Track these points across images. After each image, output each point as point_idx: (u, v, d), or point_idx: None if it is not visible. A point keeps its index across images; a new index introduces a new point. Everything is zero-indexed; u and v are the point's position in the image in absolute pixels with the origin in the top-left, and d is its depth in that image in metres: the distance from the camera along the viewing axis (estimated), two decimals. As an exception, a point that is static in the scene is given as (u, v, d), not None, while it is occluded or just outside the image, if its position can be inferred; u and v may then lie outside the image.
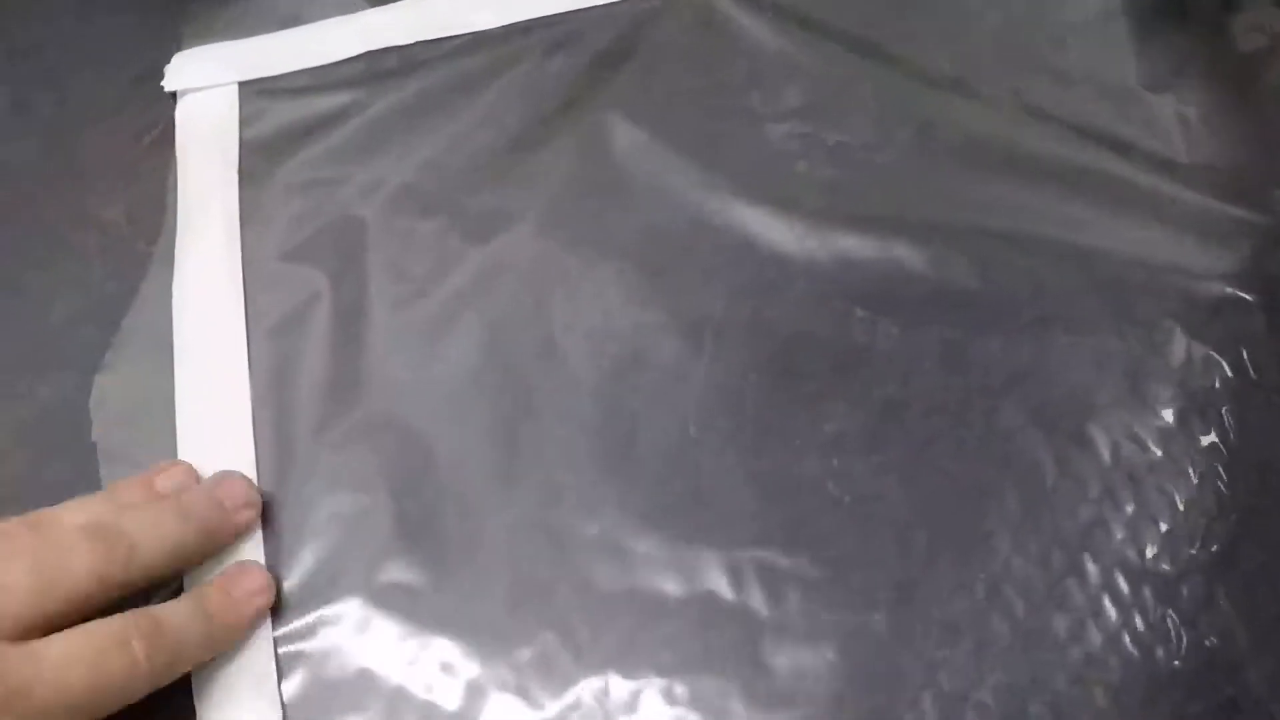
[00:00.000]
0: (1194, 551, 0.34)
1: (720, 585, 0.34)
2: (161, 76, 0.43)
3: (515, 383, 0.37)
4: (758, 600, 0.34)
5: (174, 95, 0.43)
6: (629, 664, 0.33)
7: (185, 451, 0.37)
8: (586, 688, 0.33)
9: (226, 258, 0.39)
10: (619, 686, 0.33)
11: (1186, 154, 0.39)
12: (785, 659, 0.33)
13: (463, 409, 0.37)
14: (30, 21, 0.46)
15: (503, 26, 0.43)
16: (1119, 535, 0.34)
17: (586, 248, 0.39)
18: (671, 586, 0.34)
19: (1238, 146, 0.40)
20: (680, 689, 0.33)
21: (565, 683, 0.33)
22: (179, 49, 0.44)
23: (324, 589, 0.35)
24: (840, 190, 0.40)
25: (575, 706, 0.33)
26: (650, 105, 0.41)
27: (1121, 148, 0.39)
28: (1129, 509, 0.34)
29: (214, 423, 0.37)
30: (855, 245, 0.38)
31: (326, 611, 0.35)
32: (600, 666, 0.33)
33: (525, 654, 0.34)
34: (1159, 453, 0.35)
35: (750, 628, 0.34)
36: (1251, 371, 0.36)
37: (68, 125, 0.43)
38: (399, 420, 0.37)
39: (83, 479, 0.37)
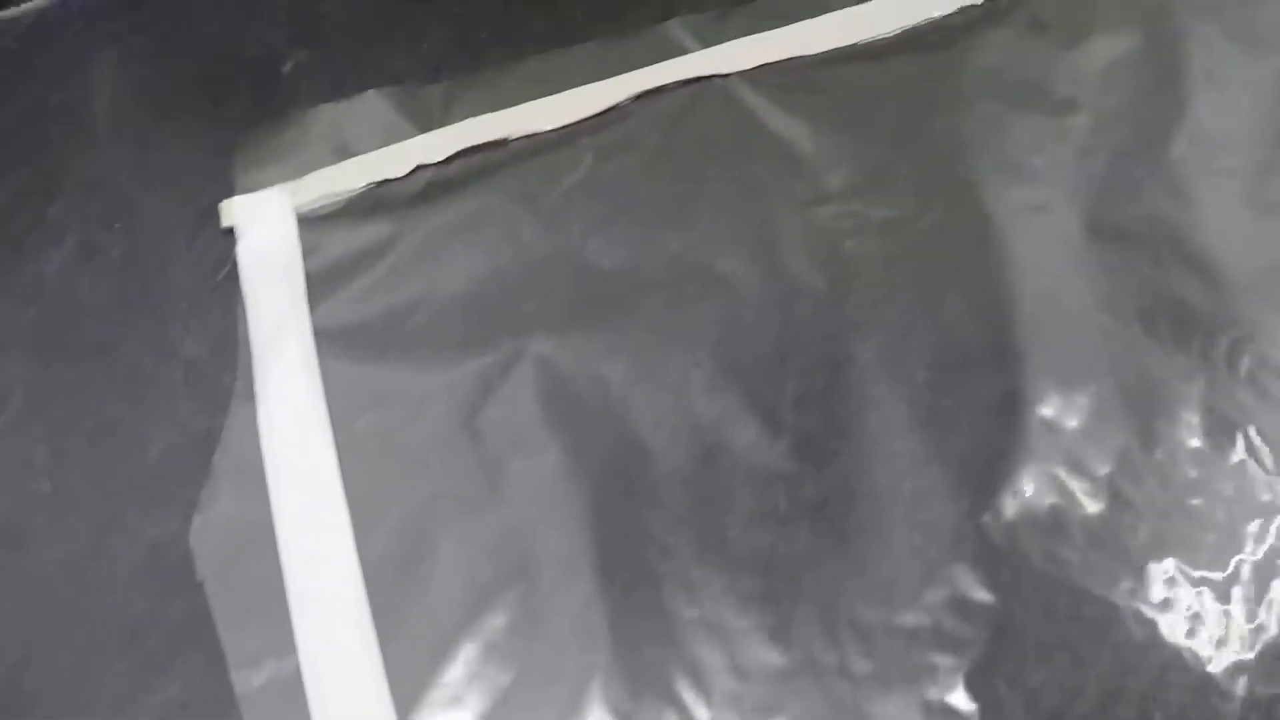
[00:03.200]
0: None
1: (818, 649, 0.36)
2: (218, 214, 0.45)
3: (609, 482, 0.39)
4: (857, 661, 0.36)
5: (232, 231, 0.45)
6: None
7: (292, 581, 0.38)
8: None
9: (308, 389, 0.41)
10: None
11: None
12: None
13: (560, 512, 0.39)
14: (90, 161, 0.47)
15: (554, 130, 0.45)
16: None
17: (660, 343, 0.41)
18: (774, 657, 0.36)
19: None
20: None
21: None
22: (234, 180, 0.46)
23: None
24: (892, 262, 0.42)
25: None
26: (703, 199, 0.43)
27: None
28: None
29: (317, 552, 0.38)
30: (912, 313, 0.40)
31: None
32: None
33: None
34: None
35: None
36: None
37: (138, 264, 0.45)
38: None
39: (197, 617, 0.38)
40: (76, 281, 0.45)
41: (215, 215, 0.45)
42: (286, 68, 0.49)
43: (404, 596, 0.38)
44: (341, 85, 0.48)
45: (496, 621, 0.37)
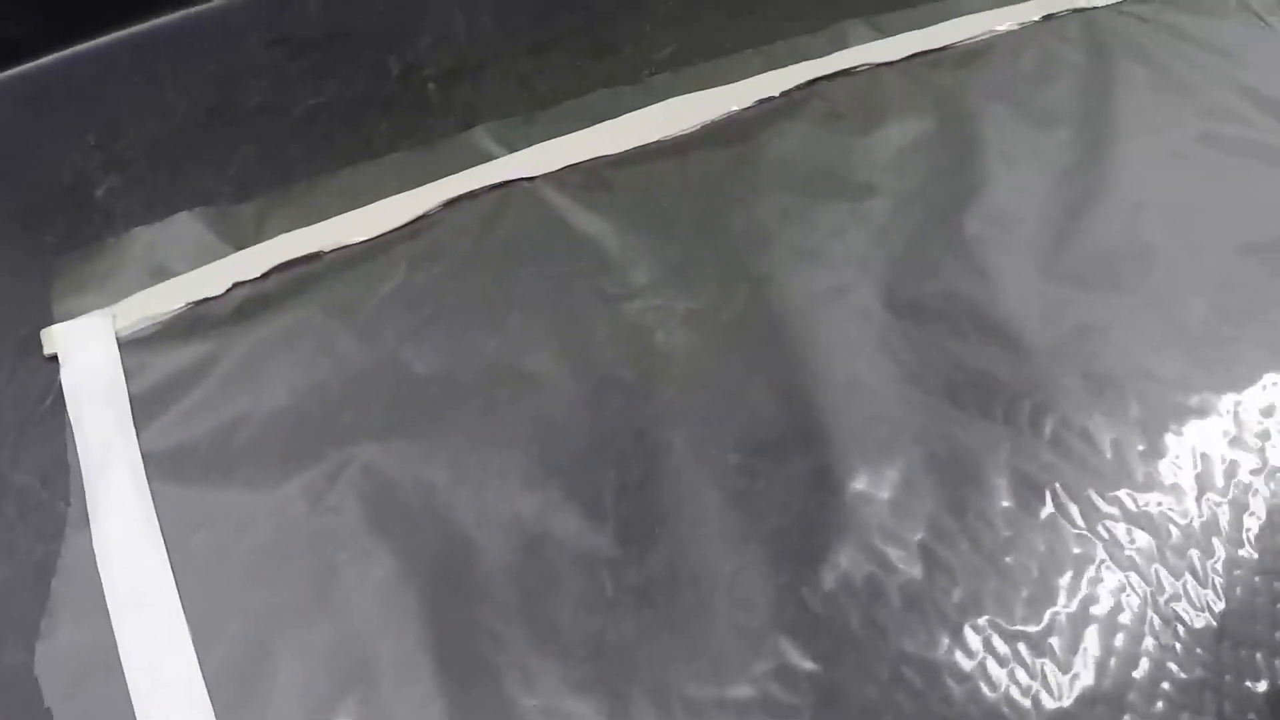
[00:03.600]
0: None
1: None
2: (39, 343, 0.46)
3: (439, 581, 0.40)
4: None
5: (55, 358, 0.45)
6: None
7: (139, 702, 0.39)
8: None
9: (139, 511, 0.42)
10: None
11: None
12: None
13: (393, 614, 0.40)
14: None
15: (367, 241, 0.47)
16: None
17: (479, 444, 0.43)
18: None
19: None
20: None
21: None
22: (52, 307, 0.46)
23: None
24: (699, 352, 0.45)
25: None
26: (513, 300, 0.45)
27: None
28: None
29: (161, 670, 0.39)
30: (720, 400, 0.43)
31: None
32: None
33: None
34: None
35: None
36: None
37: (-37, 394, 0.45)
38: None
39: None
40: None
41: (36, 343, 0.46)
42: (99, 192, 0.50)
43: (248, 712, 0.39)
44: (154, 207, 0.49)
45: (338, 728, 0.38)
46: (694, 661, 0.39)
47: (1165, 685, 0.38)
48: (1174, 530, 0.41)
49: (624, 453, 0.42)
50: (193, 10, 0.56)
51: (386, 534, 0.41)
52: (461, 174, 0.48)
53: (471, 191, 0.48)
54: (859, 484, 0.42)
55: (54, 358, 0.45)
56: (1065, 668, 0.38)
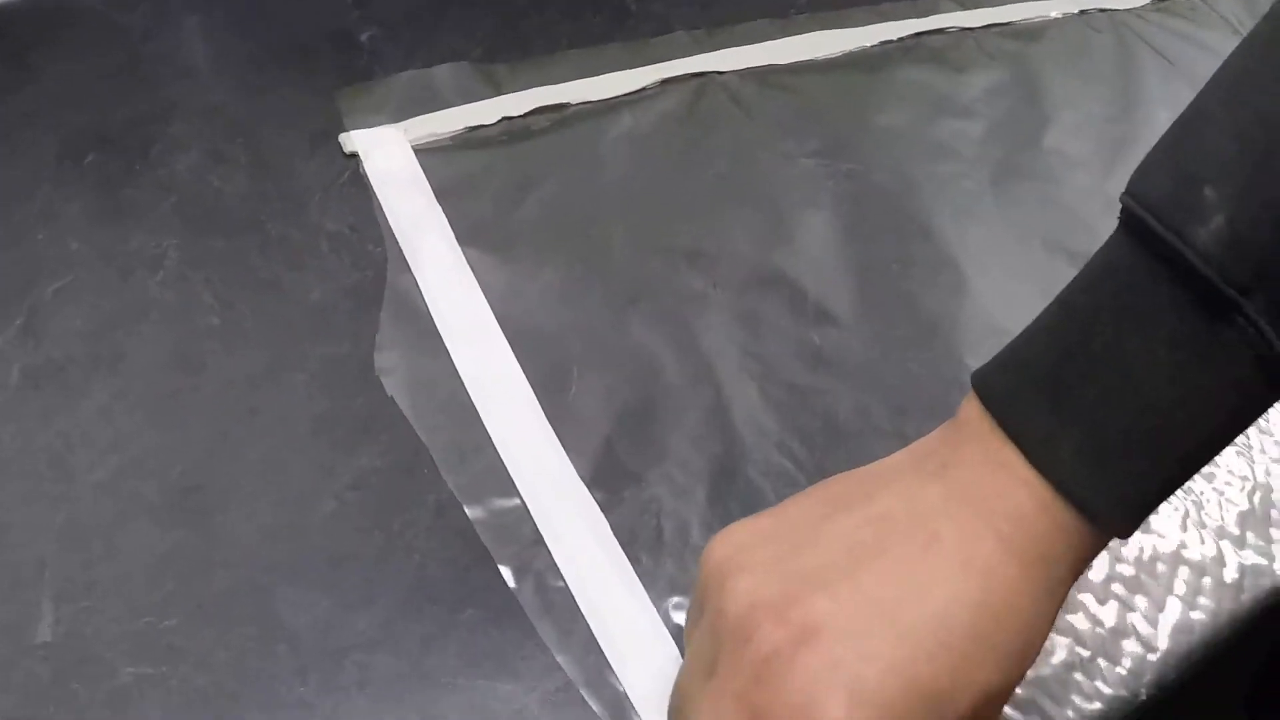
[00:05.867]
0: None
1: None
2: (332, 140, 0.55)
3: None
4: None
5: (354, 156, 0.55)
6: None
7: (476, 394, 0.47)
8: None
9: (455, 264, 0.51)
10: None
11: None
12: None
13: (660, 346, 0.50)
14: (199, 96, 0.56)
15: (600, 100, 0.59)
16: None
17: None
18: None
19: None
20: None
21: None
22: (343, 119, 0.56)
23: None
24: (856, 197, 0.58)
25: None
26: (713, 152, 0.58)
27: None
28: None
29: (494, 385, 0.48)
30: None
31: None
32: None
33: None
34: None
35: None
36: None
37: (266, 167, 0.54)
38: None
39: (381, 409, 0.46)
40: (209, 177, 0.53)
41: (326, 143, 0.55)
42: (364, 38, 0.60)
43: (566, 412, 0.48)
44: (412, 58, 0.60)
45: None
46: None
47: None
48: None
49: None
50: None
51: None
52: (669, 62, 0.61)
53: (678, 75, 0.61)
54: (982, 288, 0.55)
55: (348, 157, 0.55)
56: None
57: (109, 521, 0.42)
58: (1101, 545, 0.34)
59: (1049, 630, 0.34)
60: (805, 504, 0.36)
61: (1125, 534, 0.34)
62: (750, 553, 0.34)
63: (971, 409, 0.35)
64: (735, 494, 0.46)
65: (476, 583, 0.42)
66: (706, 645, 0.34)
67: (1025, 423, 0.33)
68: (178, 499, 0.43)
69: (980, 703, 0.32)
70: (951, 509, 0.33)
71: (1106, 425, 0.32)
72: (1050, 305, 0.35)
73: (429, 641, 0.41)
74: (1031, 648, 0.33)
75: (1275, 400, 0.33)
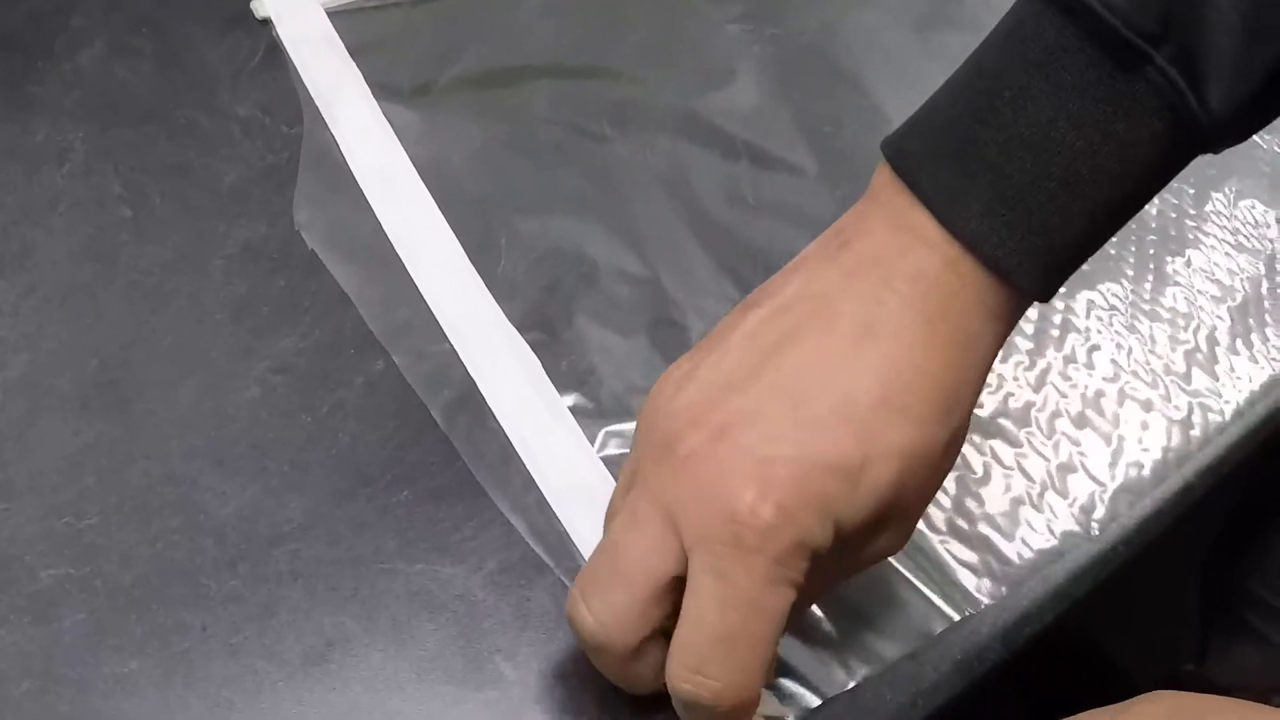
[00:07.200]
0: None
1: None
2: (244, 22, 0.53)
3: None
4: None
5: (264, 23, 0.53)
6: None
7: (407, 255, 0.46)
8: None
9: (374, 118, 0.50)
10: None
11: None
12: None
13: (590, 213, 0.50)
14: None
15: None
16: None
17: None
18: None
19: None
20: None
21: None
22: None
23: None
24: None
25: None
26: (639, 16, 0.57)
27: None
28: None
29: (416, 233, 0.47)
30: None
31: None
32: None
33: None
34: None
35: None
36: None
37: (173, 56, 0.52)
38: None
39: (300, 291, 0.45)
40: (115, 68, 0.51)
41: (234, 28, 0.53)
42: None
43: (490, 261, 0.47)
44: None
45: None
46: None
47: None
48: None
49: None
50: None
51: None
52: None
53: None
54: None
55: (260, 24, 0.53)
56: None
57: (21, 419, 0.40)
58: (1021, 309, 0.34)
59: (974, 391, 0.34)
60: (728, 318, 0.36)
61: (1043, 296, 0.34)
62: (680, 377, 0.34)
63: (882, 176, 0.35)
64: (671, 337, 0.46)
65: (411, 463, 0.41)
66: (634, 463, 0.35)
67: (933, 180, 0.33)
68: (93, 393, 0.41)
69: (902, 467, 0.32)
70: (850, 283, 0.33)
71: (1013, 175, 0.32)
72: (960, 67, 0.34)
73: (363, 526, 0.40)
74: (953, 406, 0.33)
75: (1190, 157, 0.33)
